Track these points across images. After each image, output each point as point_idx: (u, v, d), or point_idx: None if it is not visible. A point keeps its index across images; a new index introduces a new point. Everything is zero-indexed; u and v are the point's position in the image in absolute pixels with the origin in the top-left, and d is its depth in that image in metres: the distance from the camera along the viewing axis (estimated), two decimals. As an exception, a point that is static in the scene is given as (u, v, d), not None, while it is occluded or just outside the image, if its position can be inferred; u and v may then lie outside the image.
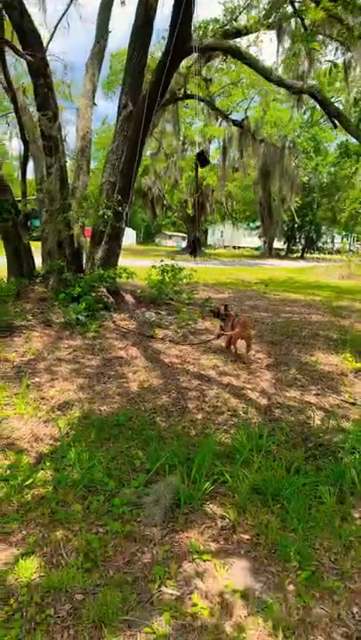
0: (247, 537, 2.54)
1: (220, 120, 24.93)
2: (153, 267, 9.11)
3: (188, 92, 9.64)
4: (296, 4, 8.47)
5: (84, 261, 8.92)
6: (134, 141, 7.28)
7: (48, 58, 6.93)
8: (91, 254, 8.68)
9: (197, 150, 12.09)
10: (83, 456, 3.27)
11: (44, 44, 6.93)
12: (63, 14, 8.20)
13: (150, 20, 7.41)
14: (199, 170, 33.08)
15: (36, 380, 4.80)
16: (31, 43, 6.72)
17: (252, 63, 7.53)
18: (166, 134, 15.96)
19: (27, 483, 2.94)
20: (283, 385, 5.02)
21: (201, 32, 8.59)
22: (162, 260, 9.24)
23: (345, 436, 3.69)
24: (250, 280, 17.13)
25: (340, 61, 9.72)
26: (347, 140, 22.88)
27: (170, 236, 65.11)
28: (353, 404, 4.52)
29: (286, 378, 5.26)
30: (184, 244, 57.24)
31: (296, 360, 6.03)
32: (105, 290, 8.02)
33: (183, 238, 61.33)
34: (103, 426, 3.75)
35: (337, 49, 9.08)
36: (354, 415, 4.28)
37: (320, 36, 9.17)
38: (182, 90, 9.36)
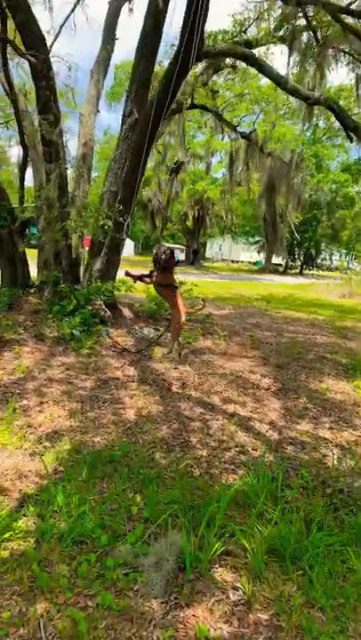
0: (266, 617, 2.11)
1: (223, 134, 24.80)
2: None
3: (196, 102, 9.38)
4: (309, 17, 8.22)
5: (82, 273, 8.54)
6: (139, 150, 6.94)
7: (52, 59, 6.61)
8: (88, 265, 8.31)
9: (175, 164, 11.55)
10: (72, 500, 2.85)
11: (48, 45, 6.61)
12: (69, 14, 7.90)
13: (159, 25, 7.12)
14: (201, 184, 32.91)
15: (24, 402, 4.37)
16: (34, 43, 6.40)
17: (266, 71, 7.23)
18: (169, 146, 15.69)
19: (5, 535, 2.51)
20: (293, 416, 4.61)
21: (211, 41, 8.32)
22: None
23: (367, 482, 3.29)
24: (250, 296, 16.79)
25: (352, 76, 9.50)
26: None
27: (168, 248, 64.85)
28: (372, 441, 4.12)
29: (296, 407, 4.86)
30: (182, 257, 57.09)
31: (305, 387, 5.63)
32: (102, 303, 7.62)
33: (181, 250, 61.21)
34: (96, 462, 3.32)
35: (349, 63, 8.84)
36: (373, 455, 3.88)
37: (332, 51, 8.96)
38: (190, 99, 9.10)
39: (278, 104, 31.12)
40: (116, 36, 10.02)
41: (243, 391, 5.28)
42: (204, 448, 3.73)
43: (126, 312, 8.46)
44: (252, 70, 12.29)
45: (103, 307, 7.65)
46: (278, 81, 7.22)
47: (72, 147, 9.28)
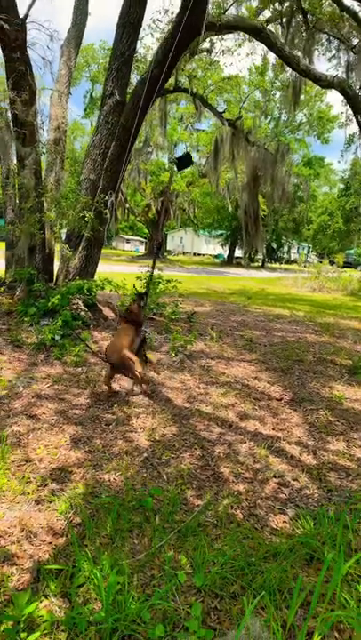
0: None
1: (188, 124, 24.05)
2: (138, 278, 8.09)
3: (180, 86, 8.74)
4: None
5: (55, 270, 7.79)
6: (126, 134, 6.27)
7: (28, 26, 5.78)
8: (64, 262, 7.56)
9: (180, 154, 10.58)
10: (101, 566, 2.23)
11: (25, 9, 5.79)
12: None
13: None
14: (166, 174, 32.15)
15: (15, 428, 3.67)
16: (5, 5, 5.58)
17: (276, 47, 6.67)
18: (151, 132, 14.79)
19: (21, 625, 1.88)
20: (320, 433, 4.15)
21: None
22: (148, 271, 8.23)
23: None
24: (223, 290, 16.44)
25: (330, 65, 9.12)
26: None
27: (127, 240, 64.06)
28: None
29: (319, 421, 4.40)
30: (142, 249, 56.22)
31: (317, 394, 5.20)
32: (80, 303, 6.92)
33: (141, 242, 60.33)
34: (120, 508, 2.71)
35: (338, 49, 8.44)
36: None
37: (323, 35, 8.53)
38: (174, 81, 8.43)
39: (241, 96, 30.79)
40: (89, 12, 9.23)
41: (256, 403, 4.78)
42: (239, 481, 3.19)
43: (107, 312, 7.79)
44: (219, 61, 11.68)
45: (83, 307, 6.94)
46: (290, 60, 6.67)
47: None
